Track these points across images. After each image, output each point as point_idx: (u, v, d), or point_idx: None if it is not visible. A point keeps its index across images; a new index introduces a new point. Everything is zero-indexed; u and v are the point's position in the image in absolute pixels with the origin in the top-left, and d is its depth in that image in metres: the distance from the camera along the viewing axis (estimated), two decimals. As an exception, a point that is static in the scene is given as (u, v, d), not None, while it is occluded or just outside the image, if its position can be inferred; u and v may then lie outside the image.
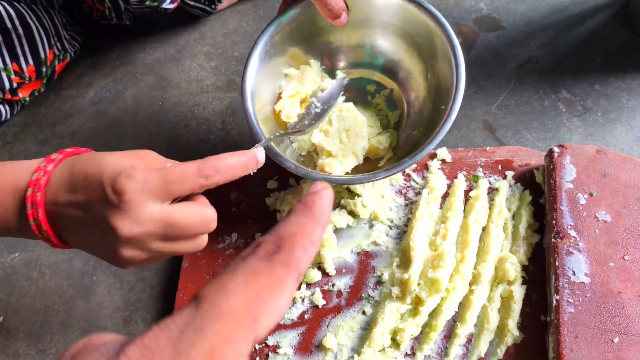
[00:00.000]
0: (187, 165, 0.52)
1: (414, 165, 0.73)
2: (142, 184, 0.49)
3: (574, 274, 0.58)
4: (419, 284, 0.63)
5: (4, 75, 0.85)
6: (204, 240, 0.56)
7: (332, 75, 0.74)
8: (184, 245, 0.54)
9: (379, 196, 0.71)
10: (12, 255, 0.82)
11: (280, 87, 0.72)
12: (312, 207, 0.34)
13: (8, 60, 0.85)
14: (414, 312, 0.63)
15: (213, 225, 0.54)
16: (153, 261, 0.55)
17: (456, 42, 0.62)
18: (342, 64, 0.75)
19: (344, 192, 0.72)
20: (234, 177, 0.54)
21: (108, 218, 0.50)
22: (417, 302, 0.63)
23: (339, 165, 0.66)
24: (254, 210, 0.75)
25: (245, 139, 0.85)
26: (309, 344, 0.64)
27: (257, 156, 0.56)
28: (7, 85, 0.86)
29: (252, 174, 0.56)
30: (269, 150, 0.63)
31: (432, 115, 0.65)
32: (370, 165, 0.69)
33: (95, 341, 0.31)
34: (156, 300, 0.74)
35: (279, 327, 0.66)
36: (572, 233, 0.60)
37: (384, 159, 0.70)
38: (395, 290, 0.64)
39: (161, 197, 0.50)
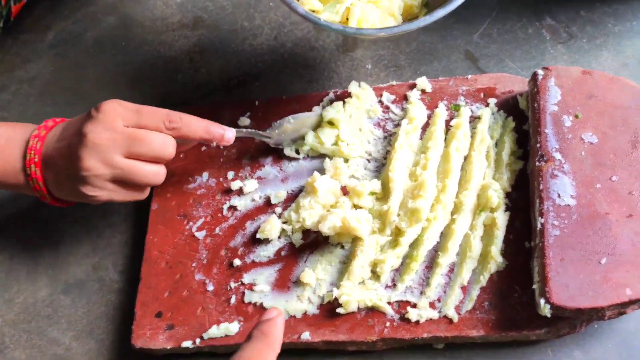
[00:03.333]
0: (160, 108, 0.60)
1: (393, 96, 0.69)
2: (118, 105, 0.58)
3: (559, 196, 0.55)
4: (398, 215, 0.61)
5: (-48, 13, 0.79)
6: (162, 173, 0.61)
7: None
8: (145, 167, 0.59)
9: (357, 129, 0.68)
10: (-28, 206, 0.77)
11: None
12: (268, 335, 0.44)
13: (-44, -2, 0.79)
14: (393, 243, 0.60)
15: (171, 151, 0.59)
16: (116, 194, 0.60)
17: None
18: None
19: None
20: (194, 136, 0.60)
21: (82, 128, 0.57)
22: (397, 233, 0.60)
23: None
24: (225, 148, 0.71)
25: (216, 76, 0.80)
26: (287, 280, 0.62)
27: (224, 132, 0.62)
28: (-43, 25, 0.80)
29: (213, 145, 0.64)
30: (307, 17, 0.60)
31: None
32: None
33: None
34: (126, 246, 0.71)
35: (255, 265, 0.63)
36: (557, 156, 0.57)
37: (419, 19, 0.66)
38: (375, 223, 0.61)
39: (130, 121, 0.58)
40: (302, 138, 0.68)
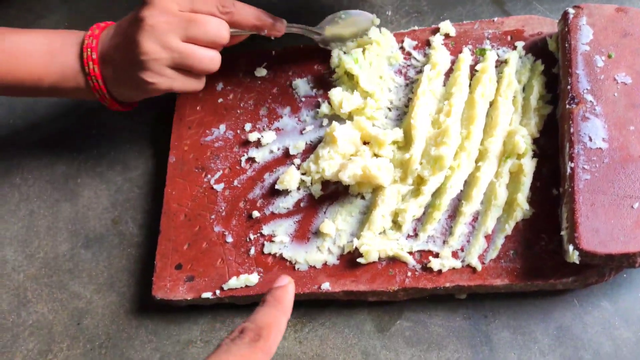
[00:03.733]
0: None
1: (415, 42, 0.66)
2: None
3: (590, 140, 0.53)
4: (421, 163, 0.59)
5: (-37, -33, 0.78)
6: (217, 59, 0.61)
7: None
8: (202, 51, 0.59)
9: (377, 77, 0.65)
10: (-9, 162, 0.78)
11: None
12: (281, 301, 0.45)
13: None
14: (415, 192, 0.58)
15: (225, 35, 0.60)
16: (175, 81, 0.60)
17: None
18: None
19: (343, 78, 0.66)
20: (246, 22, 0.61)
21: (138, 14, 0.58)
22: (419, 182, 0.59)
23: None
24: (242, 100, 0.70)
25: (231, 28, 0.78)
26: (306, 231, 0.61)
27: (276, 20, 0.62)
28: (-31, -20, 0.79)
29: (264, 33, 0.62)
30: None
31: None
32: None
33: None
34: (145, 199, 0.71)
35: (274, 217, 0.63)
36: (589, 97, 0.54)
37: None
38: (396, 172, 0.59)
39: (185, 6, 0.58)
40: (353, 39, 0.66)
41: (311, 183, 0.63)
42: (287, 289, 0.46)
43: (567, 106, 0.55)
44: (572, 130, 0.53)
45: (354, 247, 0.58)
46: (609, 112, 0.53)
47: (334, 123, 0.62)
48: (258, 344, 0.41)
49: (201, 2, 0.59)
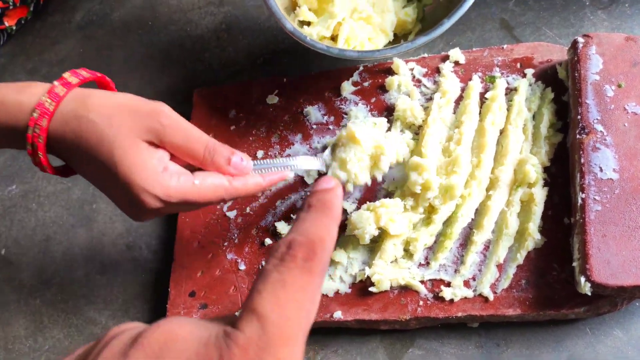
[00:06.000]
0: (209, 189, 0.52)
1: (424, 70, 0.67)
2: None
3: (601, 170, 0.53)
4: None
5: (-18, -2, 0.80)
6: None
7: None
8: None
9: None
10: (9, 188, 0.79)
11: None
12: (331, 207, 0.36)
13: (-15, -18, 0.79)
14: (427, 221, 0.59)
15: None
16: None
17: None
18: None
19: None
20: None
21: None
22: (431, 210, 0.59)
23: (369, 44, 0.62)
24: (254, 127, 0.70)
25: (243, 54, 0.79)
26: (318, 259, 0.61)
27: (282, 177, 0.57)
28: (-12, 10, 0.81)
29: None
30: (294, 34, 0.61)
31: None
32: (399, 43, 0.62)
33: (116, 330, 0.33)
34: (159, 226, 0.72)
35: (286, 244, 0.63)
36: (599, 127, 0.55)
37: (412, 33, 0.66)
38: (407, 201, 0.60)
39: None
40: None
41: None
42: (335, 193, 0.37)
43: (578, 136, 0.55)
44: (582, 160, 0.54)
45: (365, 275, 0.58)
46: (619, 143, 0.54)
47: (348, 125, 0.59)
48: (313, 264, 0.33)
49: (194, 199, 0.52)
